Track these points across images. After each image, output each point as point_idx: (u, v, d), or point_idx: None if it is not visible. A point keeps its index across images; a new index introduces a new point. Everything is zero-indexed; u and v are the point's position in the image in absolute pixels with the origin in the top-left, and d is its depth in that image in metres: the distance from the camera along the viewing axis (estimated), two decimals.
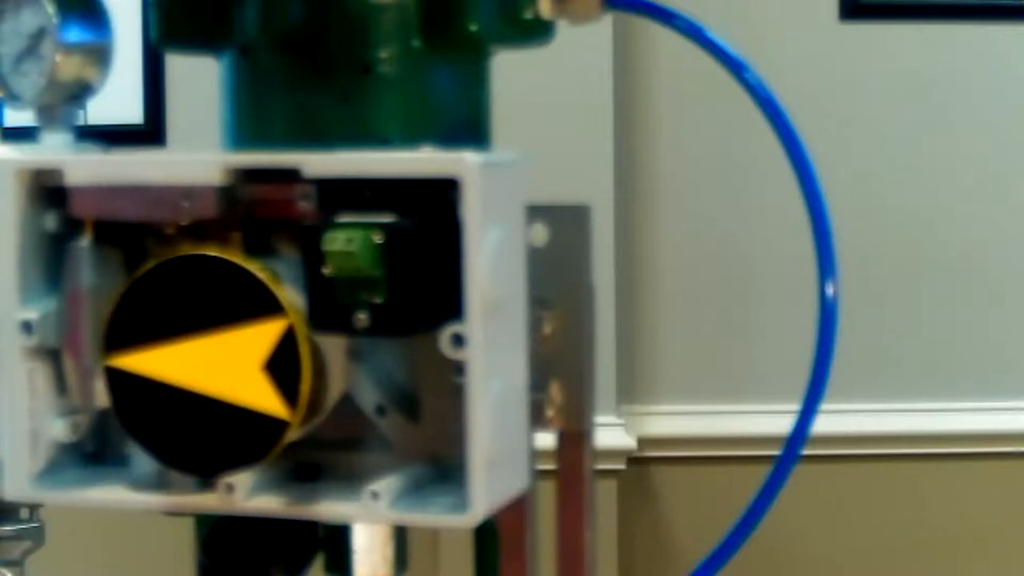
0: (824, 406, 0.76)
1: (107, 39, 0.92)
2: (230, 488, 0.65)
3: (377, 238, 0.61)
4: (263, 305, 0.63)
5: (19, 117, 1.03)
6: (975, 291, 2.53)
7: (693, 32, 0.77)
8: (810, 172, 0.76)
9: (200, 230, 0.66)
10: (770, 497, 0.76)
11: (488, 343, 0.61)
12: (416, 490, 0.65)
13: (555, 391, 0.75)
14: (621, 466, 2.39)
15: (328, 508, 0.65)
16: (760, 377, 2.48)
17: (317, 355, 0.64)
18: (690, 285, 2.51)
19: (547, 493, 0.77)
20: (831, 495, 2.49)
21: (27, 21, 0.92)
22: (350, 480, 0.66)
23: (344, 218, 0.63)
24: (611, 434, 2.33)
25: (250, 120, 0.74)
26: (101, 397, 0.66)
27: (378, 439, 0.68)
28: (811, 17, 2.49)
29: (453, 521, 0.62)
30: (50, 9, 0.90)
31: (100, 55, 0.92)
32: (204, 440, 0.64)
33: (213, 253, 0.64)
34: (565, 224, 0.75)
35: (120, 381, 0.65)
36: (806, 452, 0.77)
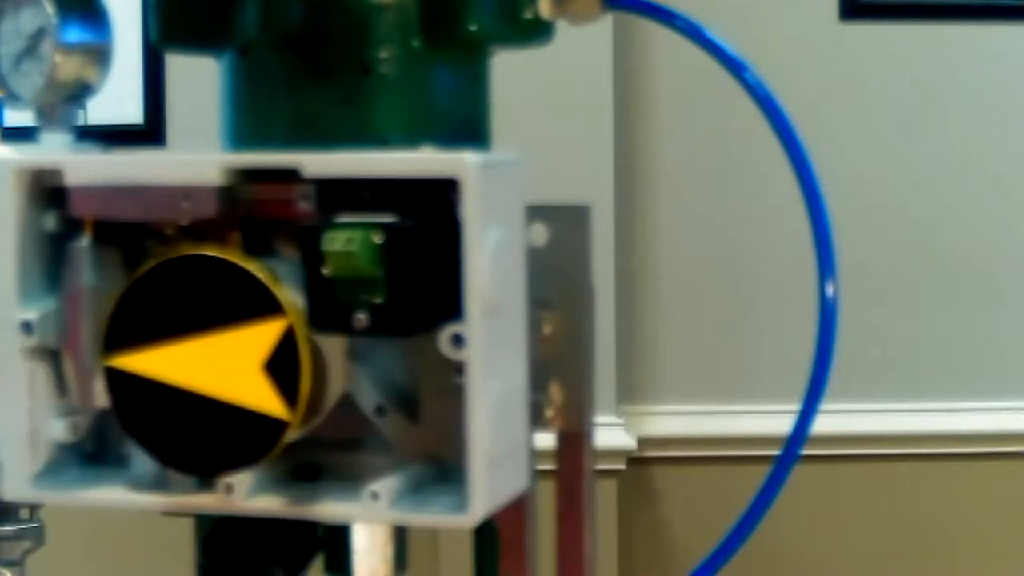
0: (824, 406, 0.76)
1: (107, 39, 0.92)
2: (230, 488, 0.65)
3: (377, 238, 0.61)
4: (263, 305, 0.63)
5: (19, 117, 1.03)
6: (975, 291, 2.52)
7: (693, 32, 0.77)
8: (810, 172, 0.76)
9: (200, 230, 0.66)
10: (770, 497, 0.76)
11: (488, 343, 0.61)
12: (416, 490, 0.65)
13: (555, 391, 0.75)
14: (621, 466, 2.39)
15: (328, 508, 0.65)
16: (760, 377, 2.48)
17: (317, 355, 0.64)
18: (690, 285, 2.51)
19: (547, 493, 0.77)
20: (831, 495, 2.49)
21: (27, 21, 0.92)
22: (350, 480, 0.66)
23: (344, 218, 0.63)
24: (611, 434, 2.33)
25: (250, 120, 0.74)
26: (101, 397, 0.66)
27: (378, 439, 0.68)
28: (811, 17, 2.49)
29: (453, 521, 0.62)
30: (50, 9, 0.90)
31: (100, 55, 0.92)
32: (204, 440, 0.64)
33: (213, 253, 0.64)
34: (565, 224, 0.75)
35: (120, 381, 0.65)
36: (806, 452, 0.77)
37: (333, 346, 0.65)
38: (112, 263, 0.68)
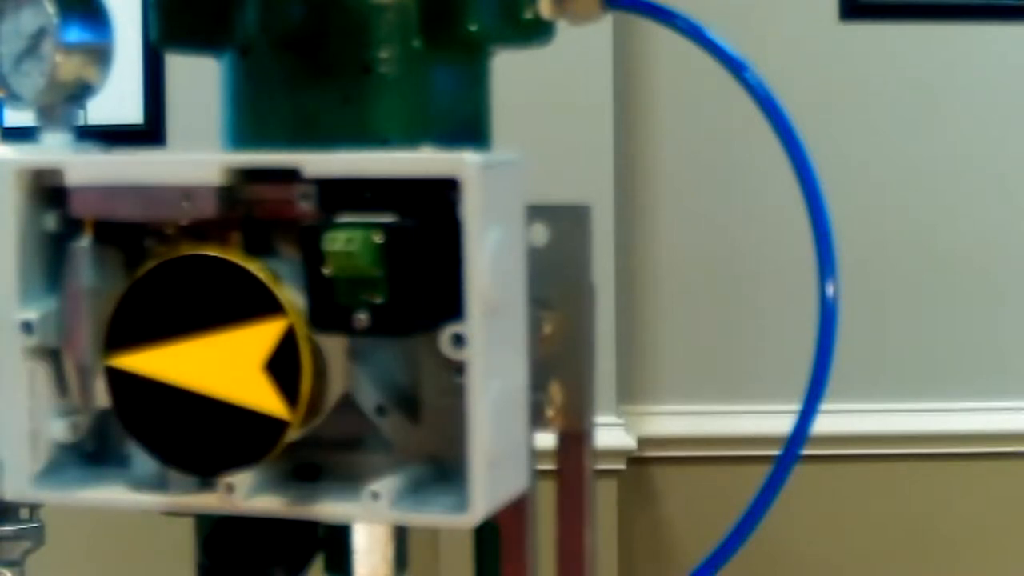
0: (824, 406, 0.76)
1: (107, 39, 0.92)
2: (230, 488, 0.65)
3: (377, 238, 0.61)
4: (263, 305, 0.63)
5: (19, 117, 1.03)
6: (975, 291, 2.53)
7: (693, 32, 0.77)
8: (810, 172, 0.76)
9: (200, 230, 0.66)
10: (770, 497, 0.76)
11: (488, 343, 0.61)
12: (416, 490, 0.65)
13: (555, 391, 0.75)
14: (621, 466, 2.39)
15: (328, 508, 0.65)
16: (760, 377, 2.48)
17: (317, 355, 0.64)
18: (690, 285, 2.51)
19: (547, 493, 0.77)
20: (831, 495, 2.49)
21: (27, 21, 0.92)
22: (350, 480, 0.66)
23: (344, 218, 0.63)
24: (611, 434, 2.33)
25: (250, 120, 0.74)
26: (101, 397, 0.66)
27: (378, 439, 0.68)
28: (811, 17, 2.49)
29: (453, 521, 0.62)
30: (50, 9, 0.90)
31: (100, 55, 0.92)
32: (204, 440, 0.64)
33: (213, 253, 0.64)
34: (565, 224, 0.75)
35: (120, 381, 0.65)
36: (806, 452, 0.77)
37: (334, 346, 0.65)
38: (112, 263, 0.68)
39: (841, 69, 2.50)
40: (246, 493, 0.65)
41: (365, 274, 0.61)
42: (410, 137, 0.72)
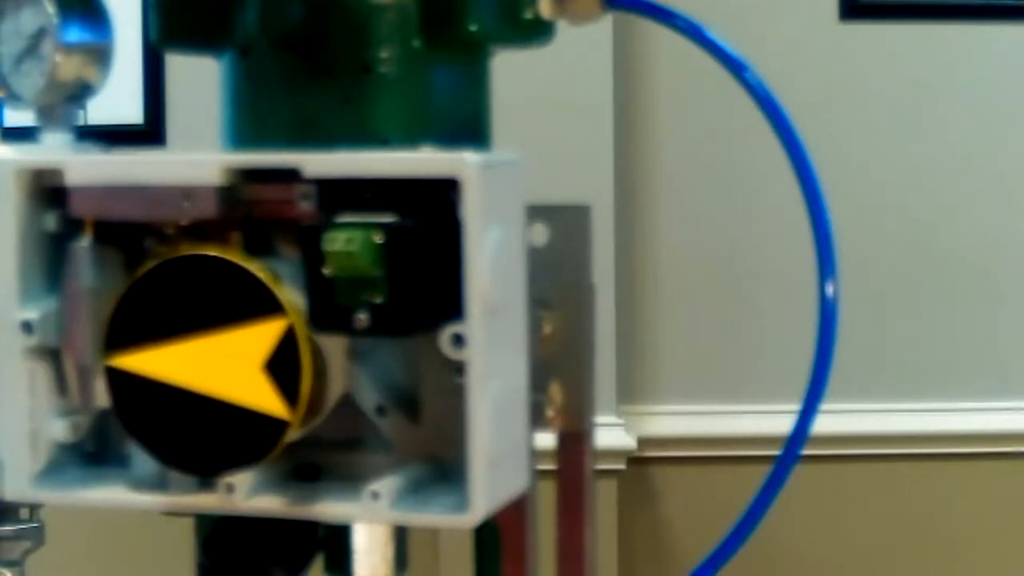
0: (824, 406, 0.76)
1: (107, 39, 0.92)
2: (230, 488, 0.65)
3: (377, 238, 0.61)
4: (263, 305, 0.63)
5: (19, 117, 1.03)
6: (975, 291, 2.52)
7: (693, 32, 0.77)
8: (810, 172, 0.76)
9: (200, 230, 0.66)
10: (770, 497, 0.76)
11: (488, 343, 0.61)
12: (416, 490, 0.65)
13: (555, 391, 0.75)
14: (621, 466, 2.39)
15: (328, 508, 0.65)
16: (760, 377, 2.48)
17: (317, 355, 0.64)
18: (690, 285, 2.51)
19: (547, 493, 0.77)
20: (831, 495, 2.49)
21: (27, 21, 0.92)
22: (350, 480, 0.66)
23: (344, 218, 0.63)
24: (611, 434, 2.33)
25: (250, 120, 0.74)
26: (101, 397, 0.66)
27: (378, 439, 0.68)
28: (811, 17, 2.49)
29: (453, 521, 0.62)
30: (50, 9, 0.90)
31: (100, 55, 0.92)
32: (204, 440, 0.64)
33: (213, 253, 0.64)
34: (565, 224, 0.75)
35: (120, 381, 0.65)
36: (806, 452, 0.77)
37: (334, 346, 0.65)
38: (112, 263, 0.68)
39: (841, 69, 2.50)
40: (246, 493, 0.65)
41: (365, 274, 0.61)
42: (410, 137, 0.72)
